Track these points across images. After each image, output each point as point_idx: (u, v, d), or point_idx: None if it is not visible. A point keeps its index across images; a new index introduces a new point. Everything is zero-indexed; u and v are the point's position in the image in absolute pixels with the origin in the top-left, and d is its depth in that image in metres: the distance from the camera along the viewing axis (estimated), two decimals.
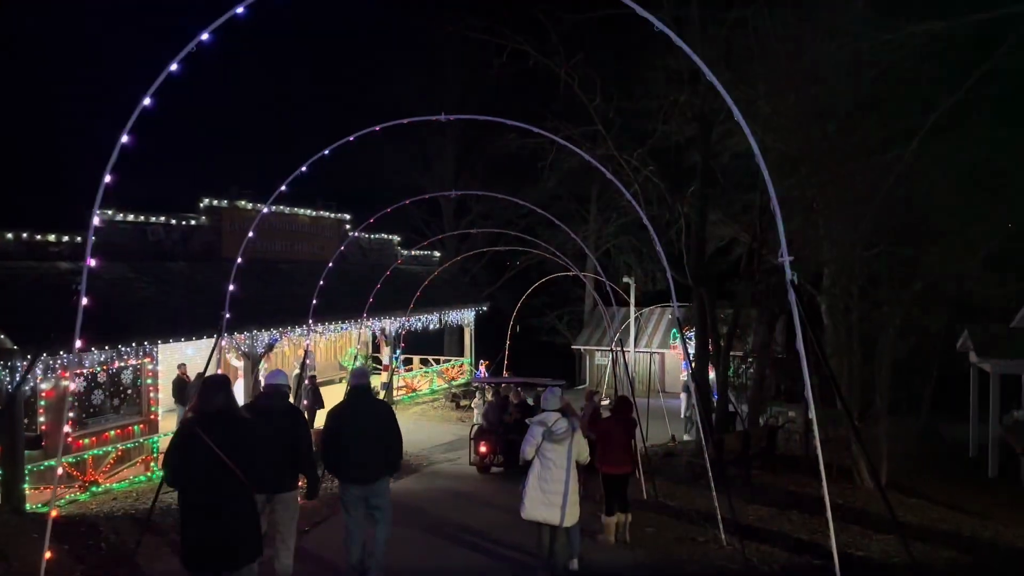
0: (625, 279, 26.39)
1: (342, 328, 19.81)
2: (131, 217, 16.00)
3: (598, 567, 8.27)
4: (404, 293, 20.16)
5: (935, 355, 16.52)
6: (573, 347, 32.86)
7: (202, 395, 5.15)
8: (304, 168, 8.32)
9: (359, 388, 7.21)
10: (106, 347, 13.47)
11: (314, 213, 21.61)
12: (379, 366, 24.76)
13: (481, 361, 26.87)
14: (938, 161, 11.89)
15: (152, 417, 15.63)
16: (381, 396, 20.85)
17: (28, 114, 26.84)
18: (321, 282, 13.09)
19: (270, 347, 17.20)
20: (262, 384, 7.32)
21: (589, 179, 31.94)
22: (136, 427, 15.13)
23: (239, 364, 17.30)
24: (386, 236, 25.50)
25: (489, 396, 17.83)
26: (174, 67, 5.19)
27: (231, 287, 8.78)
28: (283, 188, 8.73)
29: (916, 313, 13.54)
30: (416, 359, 27.67)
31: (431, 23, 26.65)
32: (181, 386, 16.21)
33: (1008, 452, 16.57)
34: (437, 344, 32.80)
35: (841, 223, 13.08)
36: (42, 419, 13.21)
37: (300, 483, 6.87)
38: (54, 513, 6.17)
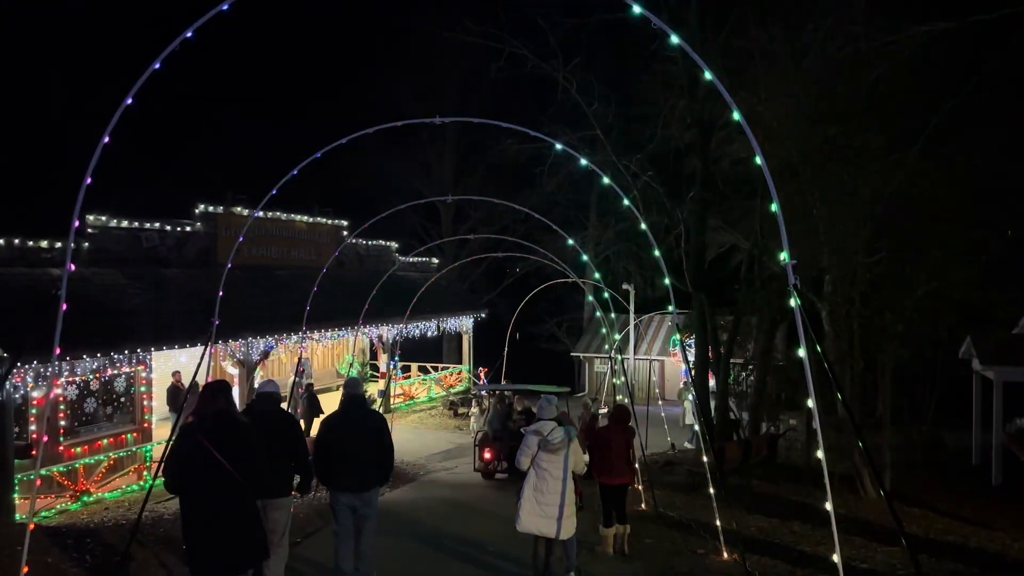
0: (624, 286, 26.23)
1: (339, 335, 19.65)
2: (125, 223, 15.84)
3: None
4: (402, 300, 19.99)
5: (938, 362, 16.34)
6: (572, 354, 32.68)
7: (202, 399, 5.24)
8: (295, 172, 8.16)
9: (353, 398, 7.24)
10: (98, 354, 13.32)
11: (311, 219, 21.46)
12: (376, 373, 24.57)
13: (480, 368, 26.70)
14: (940, 165, 11.74)
15: (146, 425, 15.45)
16: (378, 404, 20.69)
17: (18, 117, 26.68)
18: (315, 288, 12.87)
19: (265, 354, 17.03)
20: (256, 393, 7.37)
21: (588, 185, 31.87)
22: (129, 435, 14.95)
23: (235, 372, 17.12)
24: (384, 242, 25.35)
25: (486, 404, 17.75)
26: (157, 65, 5.03)
27: (220, 293, 8.58)
28: (274, 192, 8.57)
29: (918, 320, 13.37)
30: (414, 366, 27.49)
31: (429, 28, 26.56)
32: (175, 394, 16.02)
33: (1012, 460, 16.37)
34: (436, 351, 32.64)
35: (842, 229, 12.93)
36: (33, 427, 13.04)
37: (291, 493, 6.90)
38: (32, 526, 5.99)
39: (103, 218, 15.34)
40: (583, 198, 33.00)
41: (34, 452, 12.81)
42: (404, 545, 9.32)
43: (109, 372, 14.37)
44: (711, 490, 9.36)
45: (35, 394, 12.95)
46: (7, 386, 11.36)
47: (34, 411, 13.00)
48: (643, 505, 11.53)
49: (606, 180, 9.38)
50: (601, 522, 9.00)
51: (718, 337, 17.60)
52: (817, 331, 13.57)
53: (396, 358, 24.38)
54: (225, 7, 4.95)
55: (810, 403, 4.94)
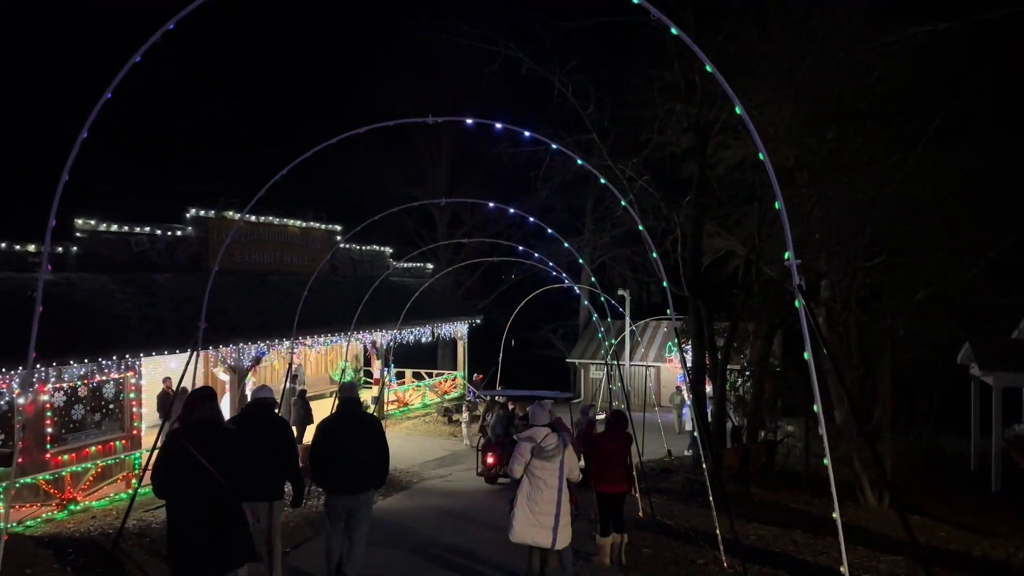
0: (620, 291, 26.09)
1: (332, 341, 19.43)
2: (115, 227, 15.64)
3: None
4: (396, 305, 19.81)
5: (938, 368, 16.19)
6: (568, 360, 32.49)
7: (188, 406, 5.31)
8: (284, 172, 7.97)
9: (348, 402, 7.31)
10: (85, 360, 13.10)
11: (304, 224, 21.27)
12: (370, 380, 24.36)
13: (475, 374, 26.50)
14: (941, 167, 11.61)
15: (135, 432, 15.20)
16: (371, 410, 20.46)
17: (3, 119, 26.41)
18: (306, 293, 12.67)
19: (257, 360, 16.81)
20: (249, 398, 7.52)
21: (583, 191, 31.76)
22: (118, 443, 14.70)
23: (226, 378, 16.90)
24: (378, 248, 25.18)
25: (479, 411, 17.64)
26: (138, 59, 4.85)
27: (206, 297, 8.38)
28: (262, 193, 8.37)
29: (916, 323, 13.21)
30: (409, 372, 27.28)
31: (426, 32, 26.45)
32: (165, 400, 15.78)
33: (1011, 467, 16.23)
34: (431, 357, 32.44)
35: (840, 233, 12.78)
36: (20, 434, 12.80)
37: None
38: (6, 536, 5.78)
39: (92, 222, 15.14)
40: (578, 204, 32.90)
41: (22, 460, 12.60)
42: (396, 555, 9.11)
43: (97, 378, 14.14)
44: (711, 498, 9.16)
45: (20, 401, 12.72)
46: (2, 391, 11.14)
47: (19, 418, 12.76)
48: (640, 513, 11.32)
49: (603, 180, 9.20)
50: (598, 531, 8.78)
51: (715, 343, 17.44)
52: (814, 336, 13.41)
53: (391, 364, 24.18)
54: None
55: (816, 408, 4.76)
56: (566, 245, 14.93)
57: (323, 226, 21.91)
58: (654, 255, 8.87)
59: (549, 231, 13.33)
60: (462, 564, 8.85)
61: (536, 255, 18.03)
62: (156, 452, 5.35)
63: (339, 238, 21.86)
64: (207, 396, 5.45)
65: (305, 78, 37.67)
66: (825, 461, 4.73)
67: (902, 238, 12.54)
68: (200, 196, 18.45)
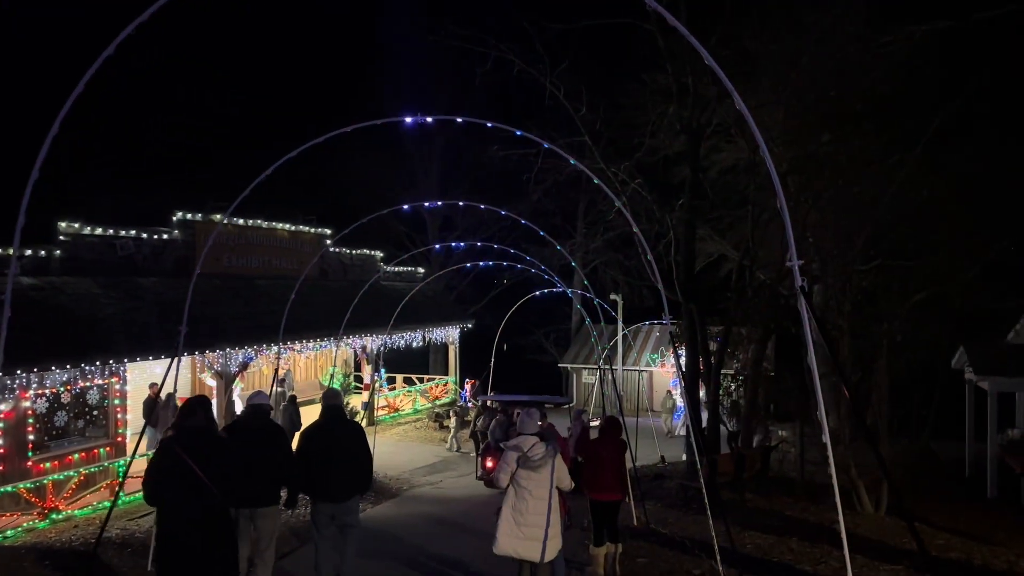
0: (612, 296, 25.94)
1: (321, 346, 19.18)
2: (99, 230, 15.35)
3: None
4: (386, 310, 19.57)
5: (936, 372, 16.07)
6: (560, 365, 32.31)
7: (182, 413, 5.41)
8: (269, 172, 7.77)
9: (332, 409, 7.35)
10: (68, 365, 12.83)
11: (294, 228, 21.03)
12: (360, 385, 24.10)
13: (467, 380, 26.28)
14: (938, 170, 11.48)
15: (119, 439, 14.92)
16: (361, 416, 20.22)
17: None
18: (293, 296, 12.44)
19: (245, 365, 16.54)
20: (237, 404, 7.56)
21: (575, 195, 31.64)
22: (102, 450, 14.42)
23: (213, 383, 16.63)
24: (368, 252, 24.94)
25: (470, 416, 17.53)
26: (111, 51, 4.64)
27: (189, 299, 8.15)
28: (246, 192, 8.16)
29: (913, 327, 13.06)
30: (399, 378, 27.03)
31: (415, 33, 26.32)
32: (152, 407, 15.49)
33: (1006, 472, 16.10)
34: (422, 362, 32.22)
35: (834, 237, 12.63)
36: (0, 441, 12.53)
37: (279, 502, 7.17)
38: None
39: (76, 225, 14.85)
40: (570, 208, 32.76)
41: (1, 468, 12.31)
42: (384, 565, 8.89)
43: (81, 384, 13.87)
44: (706, 505, 8.96)
45: (1, 407, 12.46)
46: None
47: (1, 424, 12.49)
48: (634, 521, 11.12)
49: (596, 181, 9.01)
50: (591, 540, 8.55)
51: (709, 348, 17.28)
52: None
53: (382, 370, 23.92)
54: None
55: (820, 414, 4.57)
56: (558, 248, 14.77)
57: (313, 230, 21.67)
58: (648, 257, 8.67)
59: (540, 232, 13.15)
60: (451, 575, 8.64)
61: (528, 258, 17.85)
62: (149, 459, 5.50)
63: (329, 242, 21.65)
64: (201, 404, 5.56)
65: (297, 85, 37.41)
66: (830, 470, 4.53)
67: (900, 240, 12.40)
68: (188, 199, 18.19)
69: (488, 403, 19.38)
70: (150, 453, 14.70)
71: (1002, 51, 10.40)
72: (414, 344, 24.11)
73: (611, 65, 21.56)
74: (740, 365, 18.96)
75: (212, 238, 9.69)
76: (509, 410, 16.11)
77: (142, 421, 15.64)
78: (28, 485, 12.49)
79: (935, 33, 9.55)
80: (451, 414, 20.42)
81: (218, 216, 17.83)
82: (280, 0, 37.52)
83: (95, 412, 14.65)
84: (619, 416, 9.44)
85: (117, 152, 26.84)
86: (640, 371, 29.16)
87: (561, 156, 10.42)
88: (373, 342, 21.48)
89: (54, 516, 12.54)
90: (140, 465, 14.59)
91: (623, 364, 27.67)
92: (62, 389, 13.68)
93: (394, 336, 22.17)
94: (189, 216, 17.34)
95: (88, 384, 14.08)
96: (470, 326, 27.66)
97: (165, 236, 16.86)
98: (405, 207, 14.70)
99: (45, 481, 12.73)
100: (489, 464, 14.73)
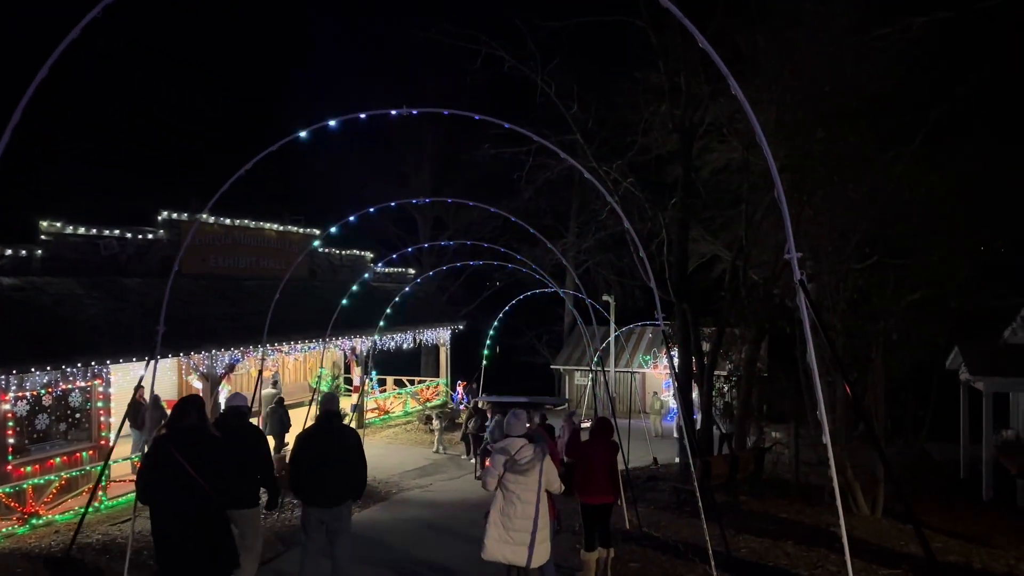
0: (605, 297, 25.76)
1: (309, 348, 18.93)
2: (82, 229, 15.08)
3: None
4: (377, 311, 19.34)
5: (933, 372, 15.91)
6: (552, 367, 32.12)
7: (175, 413, 5.39)
8: (249, 166, 7.55)
9: (328, 413, 7.28)
10: (48, 367, 12.55)
11: (281, 228, 20.78)
12: (349, 387, 23.85)
13: (459, 382, 26.06)
14: (935, 168, 11.32)
15: (103, 443, 14.62)
16: (350, 418, 19.97)
17: None
18: (278, 296, 12.20)
19: (231, 367, 16.28)
20: (223, 406, 7.73)
21: (567, 194, 31.49)
22: (84, 454, 14.13)
23: (199, 385, 16.35)
24: (358, 252, 24.69)
25: (462, 418, 17.36)
26: (76, 33, 4.42)
27: (166, 299, 7.92)
28: (225, 187, 7.93)
29: (909, 327, 12.90)
30: (390, 380, 26.78)
31: (405, 29, 26.15)
32: (137, 409, 15.21)
33: (1002, 474, 15.96)
34: (414, 364, 31.99)
35: (829, 235, 12.46)
36: None
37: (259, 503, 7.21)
38: None
39: (58, 224, 14.58)
40: (562, 207, 32.61)
41: None
42: (371, 571, 8.66)
43: (63, 386, 13.59)
44: (701, 507, 8.76)
45: None
46: None
47: None
48: (627, 524, 10.91)
49: (587, 175, 8.82)
50: (582, 545, 8.33)
51: (702, 348, 17.11)
52: (797, 341, 13.07)
53: (372, 372, 23.67)
54: None
55: (820, 415, 4.38)
56: (549, 247, 14.56)
57: (301, 230, 21.42)
58: (640, 254, 8.49)
59: (531, 230, 12.95)
60: None
61: (519, 256, 17.65)
62: (139, 460, 5.32)
63: (317, 242, 21.41)
64: (193, 404, 5.56)
65: (287, 84, 37.21)
66: (829, 472, 4.33)
67: (896, 238, 12.23)
68: (175, 200, 17.92)
69: (480, 405, 19.19)
70: (135, 456, 14.46)
71: (1002, 45, 10.25)
72: (404, 346, 23.87)
73: (603, 63, 21.43)
74: (733, 366, 18.81)
75: (192, 233, 9.46)
76: (508, 411, 16.00)
77: (126, 424, 15.43)
78: (7, 490, 12.21)
79: (933, 25, 9.39)
80: (433, 417, 20.20)
81: (204, 215, 17.57)
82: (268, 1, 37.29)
83: (78, 415, 14.37)
84: (611, 417, 9.24)
85: (104, 153, 26.54)
86: (633, 372, 28.98)
87: (552, 152, 10.24)
88: (363, 344, 21.24)
89: (34, 521, 12.27)
90: (121, 469, 14.37)
91: (616, 366, 27.51)
92: (43, 391, 13.40)
93: (384, 338, 21.93)
94: (175, 216, 17.08)
95: (70, 386, 13.80)
96: (461, 327, 27.44)
97: (150, 236, 16.60)
98: (392, 204, 14.43)
99: (25, 485, 12.46)
100: (488, 464, 14.61)
